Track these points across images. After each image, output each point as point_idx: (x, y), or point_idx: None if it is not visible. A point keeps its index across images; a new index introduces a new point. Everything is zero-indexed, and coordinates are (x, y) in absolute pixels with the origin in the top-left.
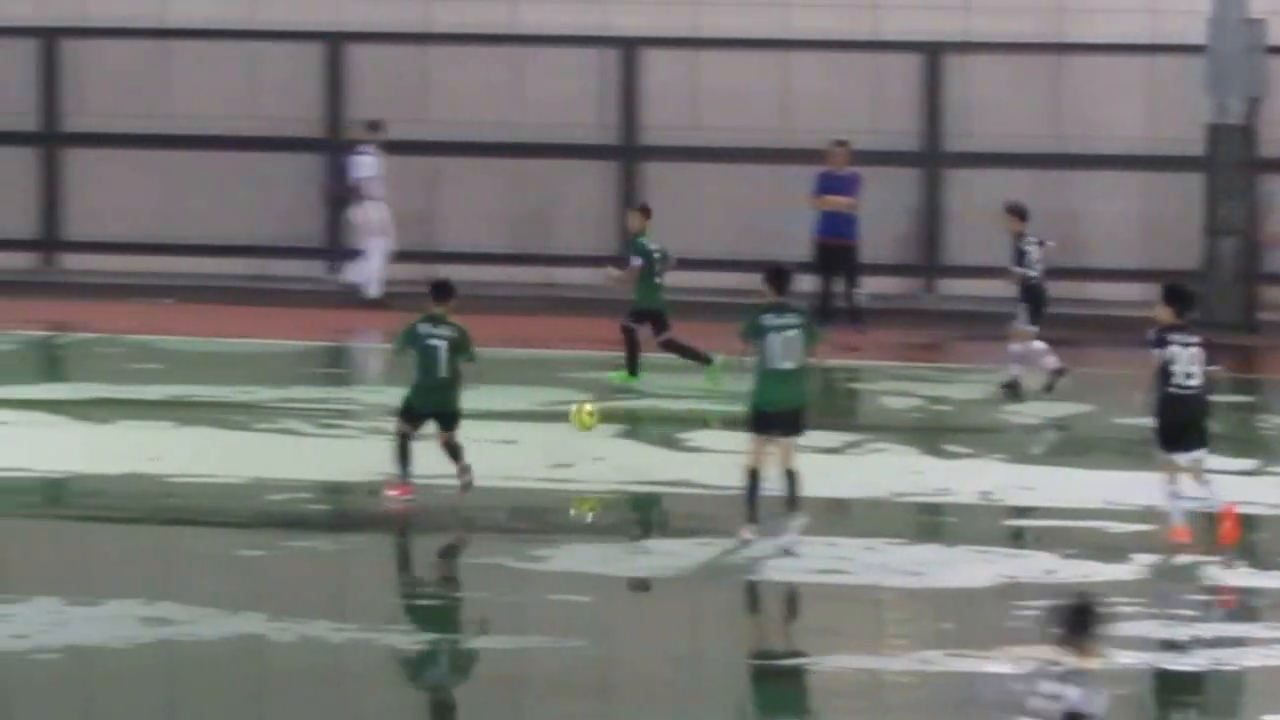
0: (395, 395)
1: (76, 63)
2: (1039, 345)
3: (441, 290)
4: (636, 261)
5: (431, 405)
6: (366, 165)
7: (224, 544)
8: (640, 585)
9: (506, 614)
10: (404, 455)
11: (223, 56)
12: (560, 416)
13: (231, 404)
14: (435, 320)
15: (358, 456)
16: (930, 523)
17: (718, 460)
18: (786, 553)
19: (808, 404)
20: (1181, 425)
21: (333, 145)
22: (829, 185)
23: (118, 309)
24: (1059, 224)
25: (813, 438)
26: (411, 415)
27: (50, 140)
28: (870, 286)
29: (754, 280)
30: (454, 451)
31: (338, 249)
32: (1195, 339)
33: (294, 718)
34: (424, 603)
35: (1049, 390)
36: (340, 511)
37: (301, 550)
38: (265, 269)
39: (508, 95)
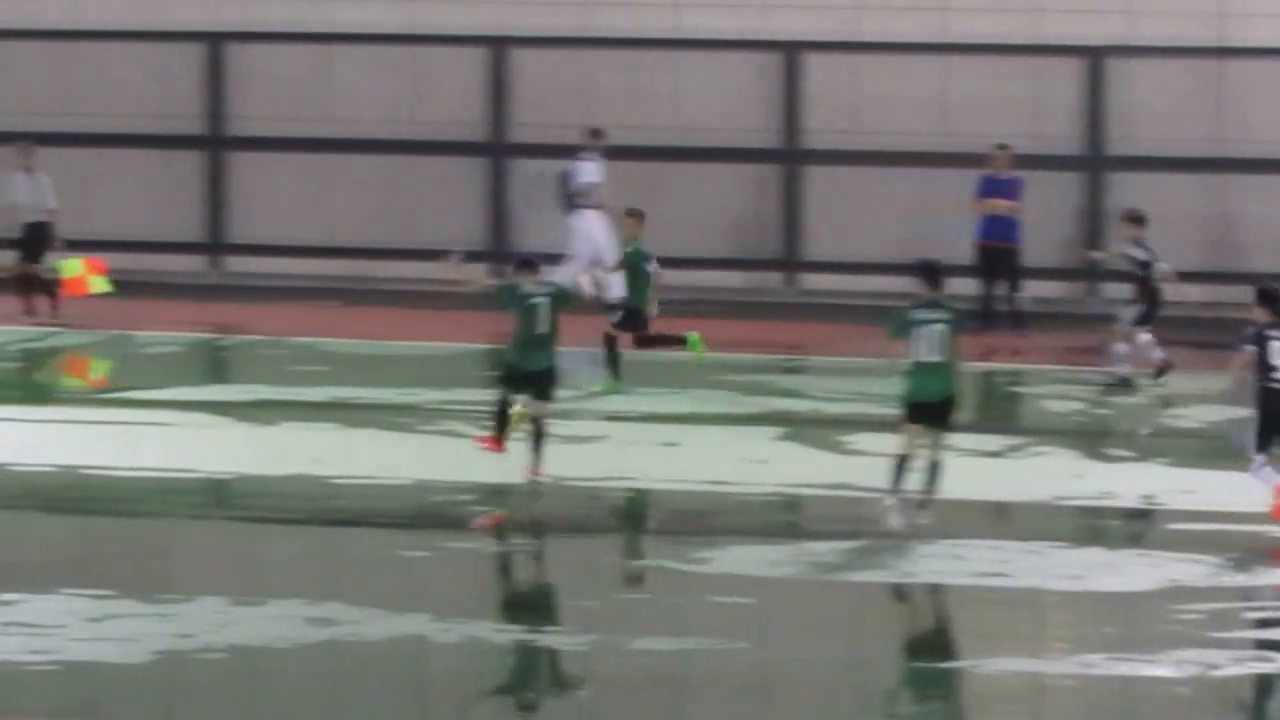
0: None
1: (242, 67)
2: (1145, 338)
3: (527, 265)
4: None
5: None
6: (588, 171)
7: (387, 545)
8: (800, 587)
9: (668, 615)
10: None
11: (386, 61)
12: (719, 420)
13: (394, 406)
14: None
15: (519, 458)
16: (1092, 526)
17: (878, 463)
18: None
19: (956, 397)
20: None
21: (495, 149)
22: (991, 189)
23: (282, 311)
24: (1218, 227)
25: (974, 441)
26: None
27: (216, 144)
28: (1032, 290)
29: (913, 284)
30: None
31: (502, 251)
32: None
33: (455, 718)
34: (585, 604)
35: (1159, 382)
36: (501, 513)
37: (464, 551)
38: (426, 272)
39: (668, 99)
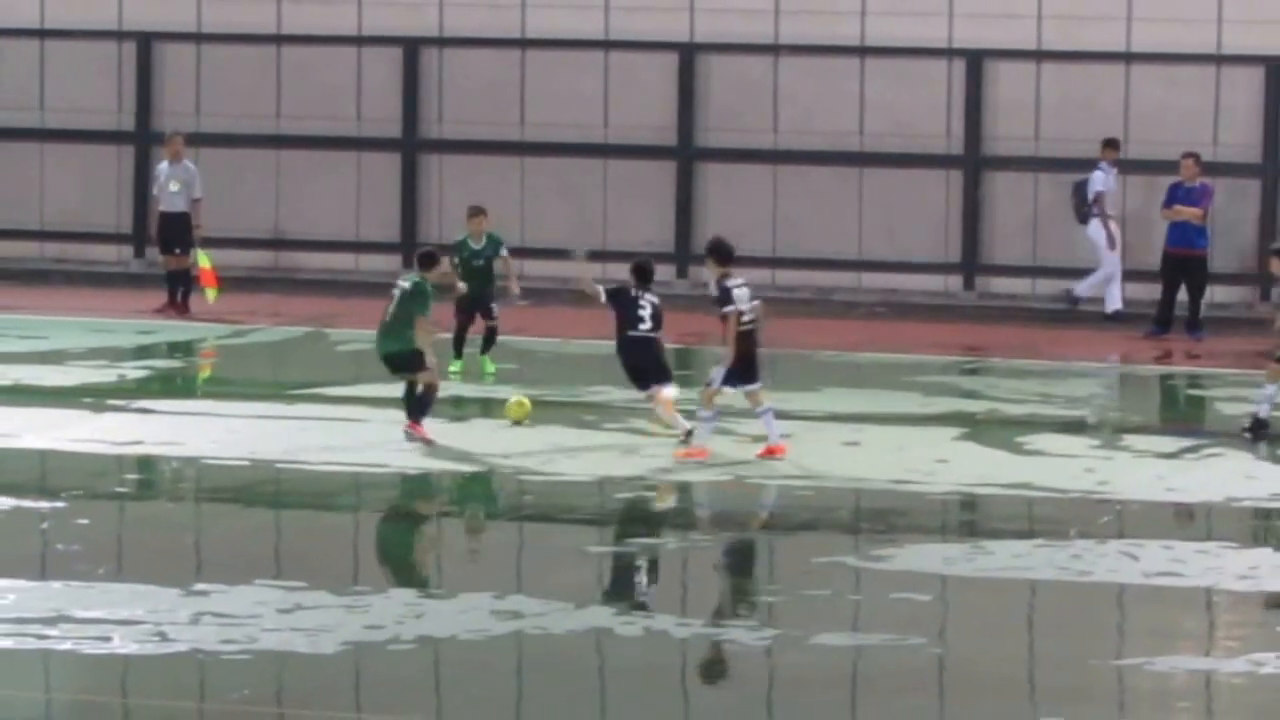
0: (744, 398)
1: (437, 71)
2: None
3: (427, 258)
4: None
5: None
6: (1101, 181)
7: (573, 539)
8: (976, 585)
9: (848, 611)
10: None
11: (578, 66)
12: (901, 420)
13: (582, 404)
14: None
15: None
16: (1264, 527)
17: (1057, 464)
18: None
19: None
20: None
21: (681, 153)
22: (1179, 196)
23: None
24: None
25: (1149, 442)
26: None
27: (410, 146)
28: (1208, 295)
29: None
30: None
31: (686, 255)
32: None
33: (638, 710)
34: (767, 599)
35: None
36: (686, 509)
37: (649, 546)
38: (614, 273)
39: (854, 105)
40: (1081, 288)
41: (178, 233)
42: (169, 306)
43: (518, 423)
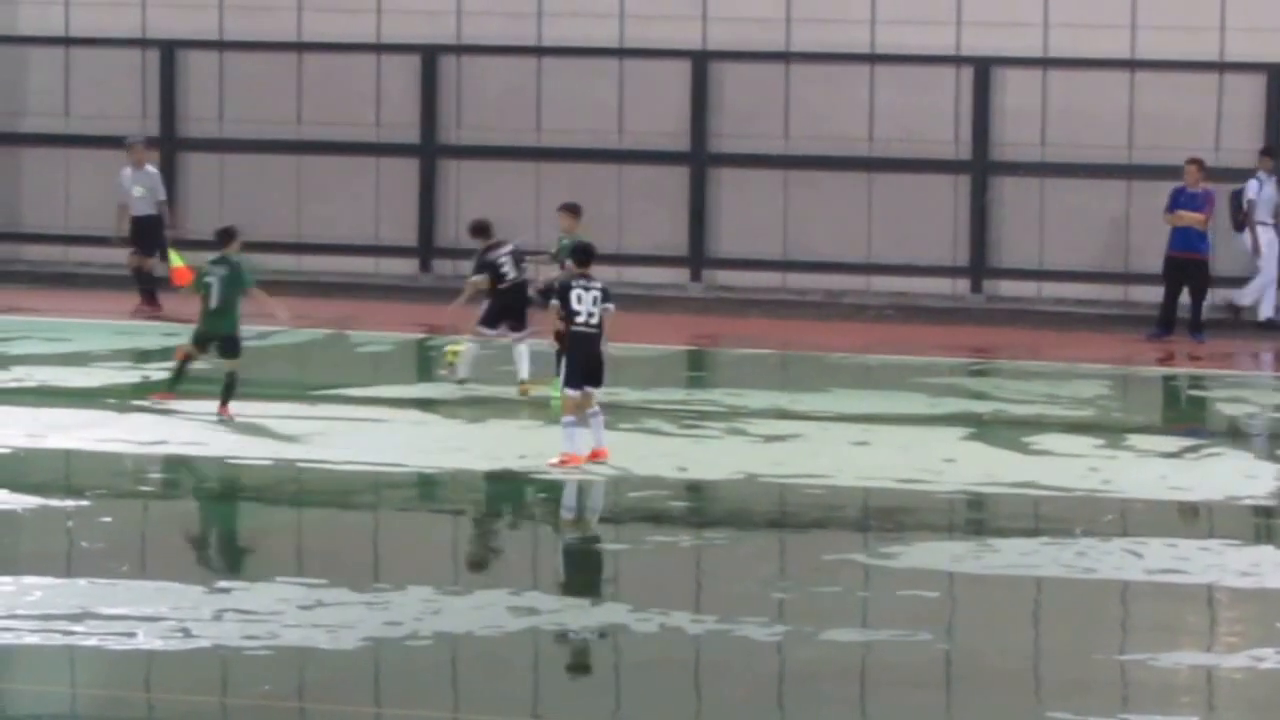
0: (758, 399)
1: (455, 79)
2: None
3: (226, 235)
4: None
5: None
6: (1254, 189)
7: (588, 538)
8: (983, 582)
9: (857, 608)
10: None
11: (593, 73)
12: (909, 420)
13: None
14: (218, 261)
15: (718, 455)
16: (1265, 525)
17: (1062, 463)
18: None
19: None
20: None
21: (694, 159)
22: (1182, 202)
23: None
24: None
25: (1152, 442)
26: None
27: (429, 152)
28: (1209, 298)
29: (1101, 290)
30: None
31: (698, 258)
32: None
33: (651, 706)
34: (777, 595)
35: None
36: (700, 507)
37: (662, 544)
38: (629, 276)
39: (863, 111)
40: (1243, 296)
41: (146, 235)
42: (145, 305)
43: (452, 364)
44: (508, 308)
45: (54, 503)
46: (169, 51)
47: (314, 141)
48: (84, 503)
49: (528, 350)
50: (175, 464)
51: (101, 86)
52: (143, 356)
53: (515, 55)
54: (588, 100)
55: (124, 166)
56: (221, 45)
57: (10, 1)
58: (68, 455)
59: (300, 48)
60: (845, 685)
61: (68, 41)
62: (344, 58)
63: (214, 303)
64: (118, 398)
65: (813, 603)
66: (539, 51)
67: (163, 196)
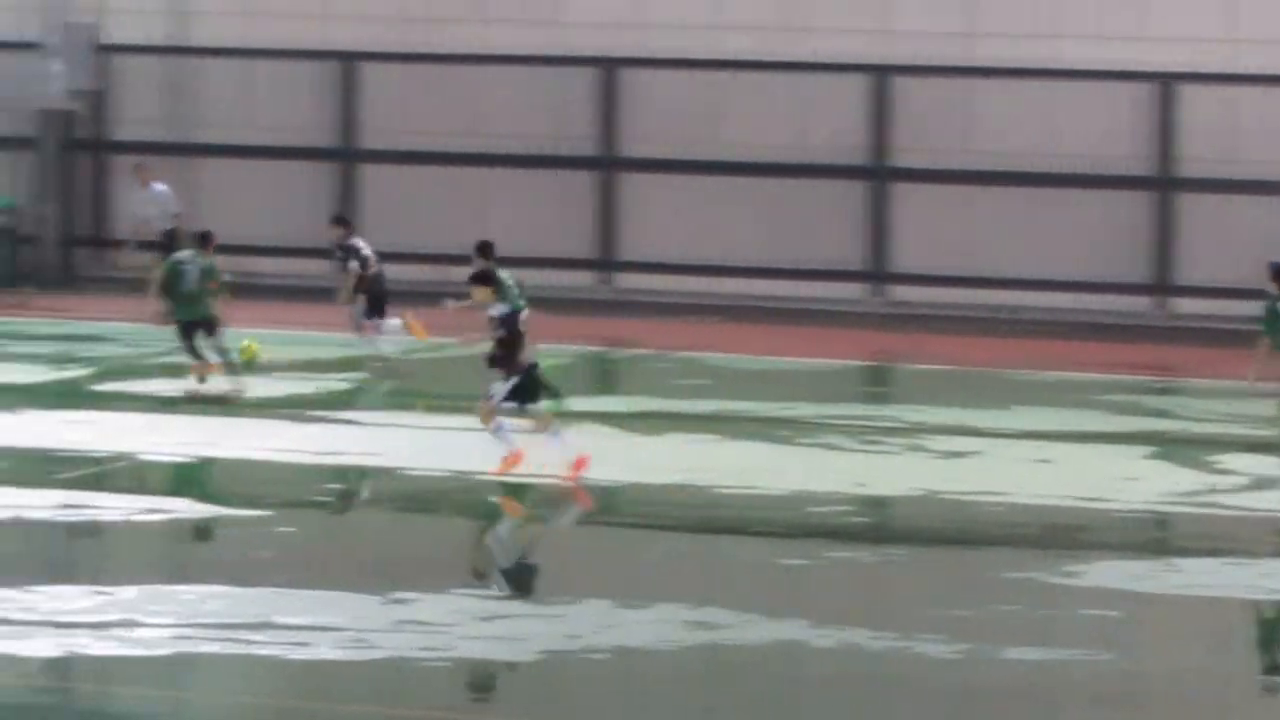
0: (937, 415)
1: (634, 91)
2: None
3: (205, 239)
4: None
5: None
6: None
7: (766, 553)
8: (1165, 602)
9: (1038, 627)
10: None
11: (772, 87)
12: (1091, 438)
13: (775, 419)
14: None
15: (897, 472)
16: None
17: (1245, 482)
18: None
19: None
20: None
21: (876, 173)
22: None
23: (668, 327)
24: None
25: None
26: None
27: (608, 165)
28: None
29: None
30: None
31: (878, 273)
32: None
33: None
34: (957, 613)
35: None
36: (879, 524)
37: (841, 560)
38: (800, 290)
39: (1044, 127)
40: None
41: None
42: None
43: (249, 362)
44: None
45: (233, 512)
46: (349, 64)
47: (491, 154)
48: (263, 512)
49: None
50: (351, 474)
51: (281, 99)
52: (322, 368)
53: (695, 69)
54: (767, 113)
55: (135, 187)
56: (401, 57)
57: (189, 14)
58: (249, 465)
59: (478, 60)
60: (1026, 704)
61: (249, 53)
62: (525, 70)
63: (188, 286)
64: (296, 407)
65: (993, 621)
66: (719, 65)
67: (176, 209)
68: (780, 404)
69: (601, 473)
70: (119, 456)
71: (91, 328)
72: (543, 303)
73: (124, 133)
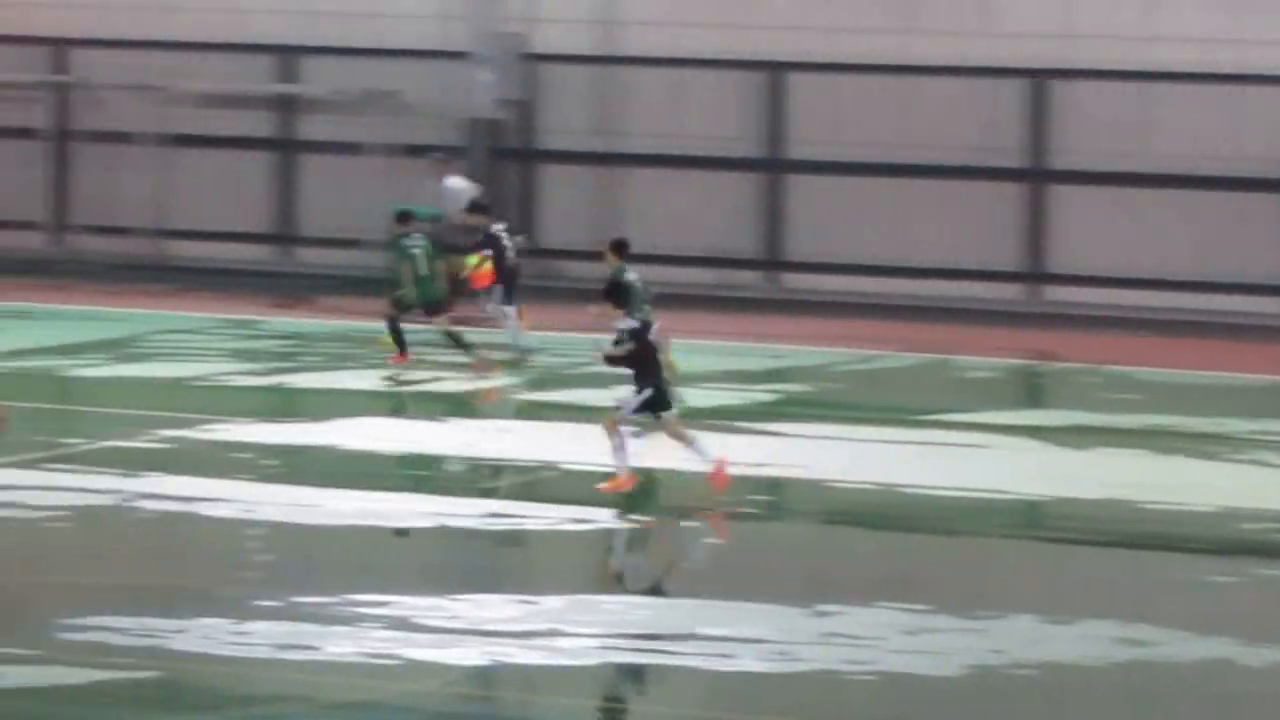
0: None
1: (1064, 103)
2: None
3: (402, 216)
4: None
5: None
6: None
7: (1195, 569)
8: None
9: None
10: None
11: (1203, 99)
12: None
13: (1204, 435)
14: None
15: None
16: None
17: None
18: None
19: None
20: None
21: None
22: None
23: (1098, 340)
24: None
25: None
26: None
27: (1037, 176)
28: None
29: None
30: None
31: None
32: None
33: None
34: None
35: None
36: None
37: (1272, 578)
38: (1232, 305)
39: (1227, 132)
40: None
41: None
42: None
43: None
44: None
45: (659, 522)
46: (778, 74)
47: (914, 165)
48: (691, 524)
49: None
50: (778, 486)
51: (709, 108)
52: (751, 379)
53: (1125, 80)
54: (1197, 125)
55: (444, 179)
56: (831, 67)
57: (617, 24)
58: (674, 476)
59: (909, 70)
60: None
61: (677, 63)
62: (954, 81)
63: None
64: (723, 418)
65: None
66: (1150, 76)
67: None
68: (1209, 419)
69: (1028, 487)
70: (544, 466)
71: (527, 338)
72: (967, 315)
73: (551, 142)
